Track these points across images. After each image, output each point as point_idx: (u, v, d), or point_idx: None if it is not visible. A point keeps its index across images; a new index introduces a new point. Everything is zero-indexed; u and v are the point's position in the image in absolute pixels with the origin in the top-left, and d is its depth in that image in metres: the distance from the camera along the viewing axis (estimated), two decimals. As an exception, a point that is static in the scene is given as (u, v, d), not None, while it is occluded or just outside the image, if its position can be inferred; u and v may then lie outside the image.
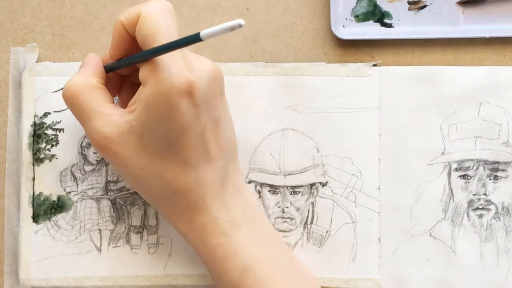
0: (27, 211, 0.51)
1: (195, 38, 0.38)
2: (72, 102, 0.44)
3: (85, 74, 0.45)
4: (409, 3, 0.52)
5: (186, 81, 0.41)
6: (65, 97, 0.45)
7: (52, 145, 0.51)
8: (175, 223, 0.46)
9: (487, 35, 0.51)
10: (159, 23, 0.42)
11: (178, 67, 0.41)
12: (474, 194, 0.51)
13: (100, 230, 0.51)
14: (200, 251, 0.46)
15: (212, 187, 0.45)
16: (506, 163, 0.51)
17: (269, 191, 0.51)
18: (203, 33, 0.38)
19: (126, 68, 0.47)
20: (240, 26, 0.36)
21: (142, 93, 0.42)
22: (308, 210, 0.51)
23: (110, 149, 0.43)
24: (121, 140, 0.43)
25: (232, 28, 0.36)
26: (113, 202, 0.52)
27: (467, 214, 0.51)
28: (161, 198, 0.45)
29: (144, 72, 0.42)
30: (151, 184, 0.44)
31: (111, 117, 0.43)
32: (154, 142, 0.43)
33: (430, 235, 0.51)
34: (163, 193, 0.45)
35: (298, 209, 0.51)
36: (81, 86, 0.44)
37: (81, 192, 0.51)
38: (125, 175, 0.46)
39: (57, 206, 0.51)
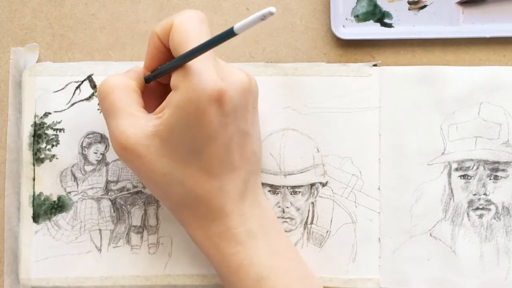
0: (27, 211, 0.51)
1: (229, 34, 0.38)
2: (106, 96, 0.45)
3: (124, 76, 0.46)
4: (409, 3, 0.52)
5: (217, 88, 0.42)
6: (100, 90, 0.45)
7: (53, 145, 0.51)
8: (191, 230, 0.46)
9: (487, 35, 0.51)
10: (191, 30, 0.43)
11: (209, 74, 0.42)
12: (474, 194, 0.51)
13: (100, 230, 0.51)
14: (215, 259, 0.45)
15: (232, 197, 0.45)
16: (506, 163, 0.51)
17: (269, 191, 0.51)
18: (236, 26, 0.37)
19: (165, 78, 0.47)
20: (271, 14, 0.35)
21: (173, 98, 0.42)
22: (308, 210, 0.51)
23: (132, 151, 0.43)
24: (145, 143, 0.43)
25: (264, 17, 0.36)
26: (114, 202, 0.52)
27: (467, 214, 0.51)
28: (180, 204, 0.45)
29: (176, 78, 0.43)
30: (172, 190, 0.44)
31: (138, 119, 0.44)
32: (179, 147, 0.43)
33: (430, 235, 0.51)
34: (183, 200, 0.45)
35: (298, 209, 0.51)
36: (118, 83, 0.45)
37: (81, 192, 0.51)
38: (145, 180, 0.45)
39: (57, 206, 0.51)
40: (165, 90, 0.47)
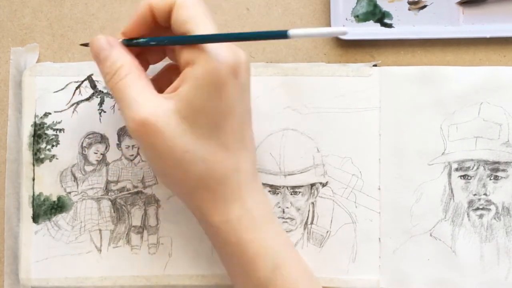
0: (27, 211, 0.51)
1: (281, 34, 0.38)
2: (120, 80, 0.43)
3: (128, 55, 0.45)
4: (409, 3, 0.52)
5: (234, 60, 0.42)
6: (111, 74, 0.44)
7: (53, 145, 0.51)
8: (209, 216, 0.45)
9: (487, 35, 0.51)
10: (199, 10, 0.43)
11: (225, 48, 0.42)
12: (475, 194, 0.51)
13: (100, 230, 0.51)
14: (228, 246, 0.45)
15: (247, 176, 0.45)
16: (506, 163, 0.51)
17: (269, 191, 0.51)
18: (293, 32, 0.38)
19: (158, 56, 0.47)
20: (345, 33, 0.35)
21: (191, 72, 0.42)
22: (309, 210, 0.51)
23: (152, 126, 0.42)
24: (166, 120, 0.42)
25: (332, 34, 0.35)
26: (114, 202, 0.52)
27: (468, 214, 0.51)
28: (199, 186, 0.44)
29: (190, 54, 0.42)
30: (193, 168, 0.43)
31: (157, 97, 0.43)
32: (201, 123, 0.43)
33: (431, 235, 0.51)
34: (203, 179, 0.44)
35: (298, 209, 0.51)
36: (127, 66, 0.44)
37: (81, 192, 0.51)
38: (165, 161, 0.43)
39: (57, 206, 0.51)
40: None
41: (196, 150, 0.43)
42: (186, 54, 0.43)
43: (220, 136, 0.43)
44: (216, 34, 0.42)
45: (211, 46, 0.42)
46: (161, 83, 0.47)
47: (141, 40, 0.45)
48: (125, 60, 0.44)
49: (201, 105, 0.42)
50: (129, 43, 0.45)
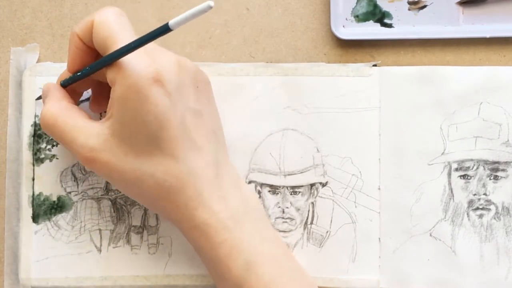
0: (27, 211, 0.51)
1: (164, 29, 0.38)
2: (52, 128, 0.45)
3: (53, 101, 0.46)
4: (409, 3, 0.52)
5: (152, 69, 0.42)
6: (44, 126, 0.46)
7: (53, 145, 0.51)
8: (177, 223, 0.46)
9: (487, 35, 0.51)
10: (115, 25, 0.43)
11: (142, 58, 0.42)
12: (474, 194, 0.51)
13: (100, 230, 0.51)
14: (202, 250, 0.45)
15: (206, 179, 0.44)
16: (506, 163, 0.51)
17: (269, 191, 0.51)
18: (172, 22, 0.38)
19: (86, 84, 0.48)
20: (210, 7, 0.35)
21: (113, 93, 0.43)
22: (308, 210, 0.51)
23: (98, 160, 0.44)
24: (107, 148, 0.43)
25: (202, 12, 0.35)
26: (114, 202, 0.52)
27: (467, 214, 0.51)
28: (159, 199, 0.45)
29: (111, 74, 0.43)
30: (145, 184, 0.44)
31: (92, 129, 0.44)
32: (137, 139, 0.43)
33: (430, 235, 0.51)
34: (159, 192, 0.44)
35: (298, 209, 0.51)
36: (55, 112, 0.45)
37: (81, 192, 0.51)
38: (119, 183, 0.45)
39: (57, 206, 0.51)
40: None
41: (142, 167, 0.44)
42: (109, 75, 0.43)
43: (162, 147, 0.43)
44: (115, 52, 0.42)
45: (129, 60, 0.42)
46: (101, 99, 0.49)
47: (64, 80, 0.47)
48: (49, 108, 0.45)
49: (132, 124, 0.43)
50: (63, 84, 0.47)
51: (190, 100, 0.45)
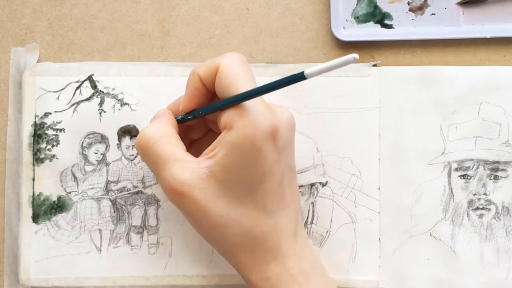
0: (27, 211, 0.51)
1: (298, 77, 0.39)
2: (148, 149, 0.44)
3: (159, 124, 0.45)
4: (411, 10, 0.52)
5: (271, 124, 0.42)
6: (140, 145, 0.45)
7: (53, 145, 0.51)
8: (247, 273, 0.45)
9: (487, 35, 0.51)
10: (240, 72, 0.43)
11: (264, 111, 0.42)
12: (474, 194, 0.51)
13: (100, 230, 0.51)
14: None
15: (286, 236, 0.45)
16: (506, 163, 0.51)
17: (270, 191, 0.51)
18: (308, 71, 0.38)
19: (199, 130, 0.48)
20: (355, 59, 0.35)
21: (227, 137, 0.42)
22: (308, 210, 0.51)
23: (188, 196, 0.43)
24: (200, 186, 0.43)
25: (344, 63, 0.35)
26: (114, 202, 0.52)
27: (467, 214, 0.51)
28: (236, 247, 0.44)
29: (229, 117, 0.43)
30: (229, 231, 0.44)
31: (189, 164, 0.43)
32: (236, 186, 0.43)
33: (430, 235, 0.51)
34: (240, 240, 0.44)
35: (298, 209, 0.51)
36: (156, 134, 0.44)
37: (81, 192, 0.51)
38: (200, 224, 0.44)
39: (57, 206, 0.51)
40: (186, 130, 0.48)
41: (231, 213, 0.43)
42: (225, 117, 0.43)
43: (257, 199, 0.43)
44: (233, 97, 0.42)
45: (251, 110, 0.42)
46: (201, 143, 0.49)
47: (179, 116, 0.46)
48: (152, 128, 0.45)
49: (237, 170, 0.42)
50: (179, 121, 0.47)
51: (291, 157, 0.45)
